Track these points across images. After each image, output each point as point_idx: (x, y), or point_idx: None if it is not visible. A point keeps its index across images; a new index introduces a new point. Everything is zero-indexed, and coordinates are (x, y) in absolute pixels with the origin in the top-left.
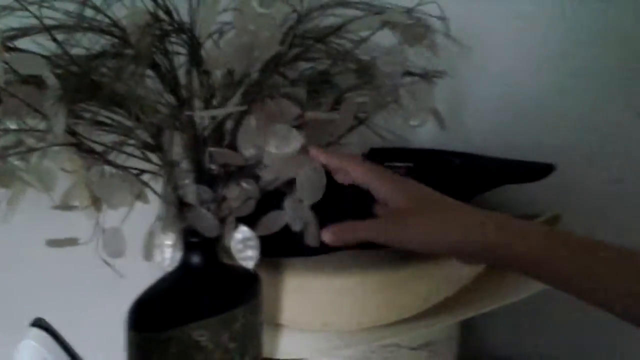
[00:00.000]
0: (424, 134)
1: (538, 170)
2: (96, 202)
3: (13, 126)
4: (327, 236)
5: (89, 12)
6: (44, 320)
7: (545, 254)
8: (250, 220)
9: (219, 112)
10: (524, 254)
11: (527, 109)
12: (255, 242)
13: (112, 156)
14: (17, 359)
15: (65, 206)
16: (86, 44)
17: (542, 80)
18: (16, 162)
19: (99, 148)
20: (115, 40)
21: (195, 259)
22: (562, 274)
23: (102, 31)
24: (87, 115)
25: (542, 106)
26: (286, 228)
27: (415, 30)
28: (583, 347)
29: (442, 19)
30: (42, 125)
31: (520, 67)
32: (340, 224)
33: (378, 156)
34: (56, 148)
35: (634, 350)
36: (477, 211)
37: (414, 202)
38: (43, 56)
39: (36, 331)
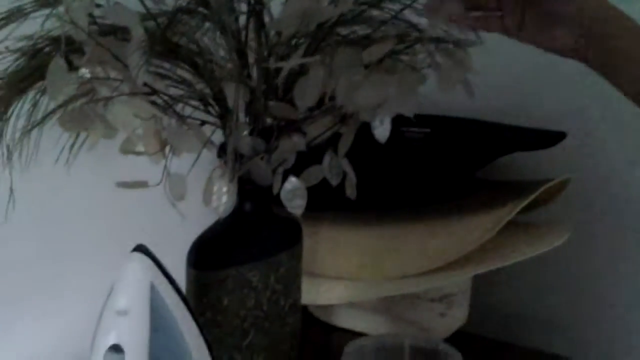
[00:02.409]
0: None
1: (550, 138)
2: (163, 149)
3: (87, 75)
4: None
5: None
6: (144, 246)
7: None
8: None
9: (293, 62)
10: None
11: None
12: (303, 192)
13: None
14: (121, 282)
15: (133, 151)
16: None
17: None
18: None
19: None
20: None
21: (248, 206)
22: None
23: None
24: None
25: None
26: (323, 183)
27: None
28: (587, 312)
29: None
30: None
31: None
32: None
33: (396, 122)
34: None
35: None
36: None
37: None
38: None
39: (139, 256)
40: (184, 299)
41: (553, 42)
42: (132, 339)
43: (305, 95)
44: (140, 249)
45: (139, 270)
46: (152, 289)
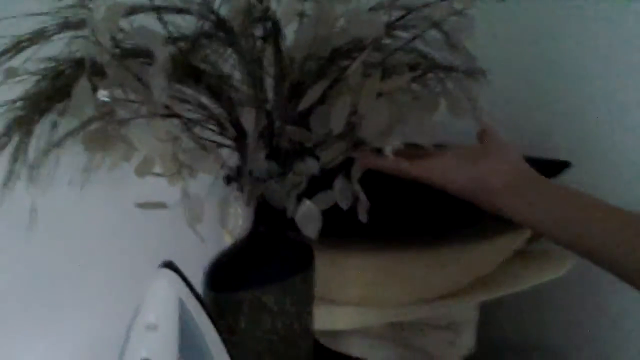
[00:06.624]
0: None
1: (555, 167)
2: (180, 171)
3: (106, 98)
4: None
5: None
6: (172, 262)
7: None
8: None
9: (316, 94)
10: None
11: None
12: (317, 215)
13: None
14: (150, 297)
15: (148, 173)
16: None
17: None
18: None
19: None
20: (211, 24)
21: (263, 229)
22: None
23: (203, 16)
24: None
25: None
26: (335, 209)
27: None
28: (594, 339)
29: None
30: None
31: None
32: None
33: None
34: (150, 119)
35: None
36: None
37: None
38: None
39: (167, 272)
40: (209, 314)
41: None
42: (162, 353)
43: (328, 124)
44: (168, 265)
45: (167, 286)
46: (181, 304)
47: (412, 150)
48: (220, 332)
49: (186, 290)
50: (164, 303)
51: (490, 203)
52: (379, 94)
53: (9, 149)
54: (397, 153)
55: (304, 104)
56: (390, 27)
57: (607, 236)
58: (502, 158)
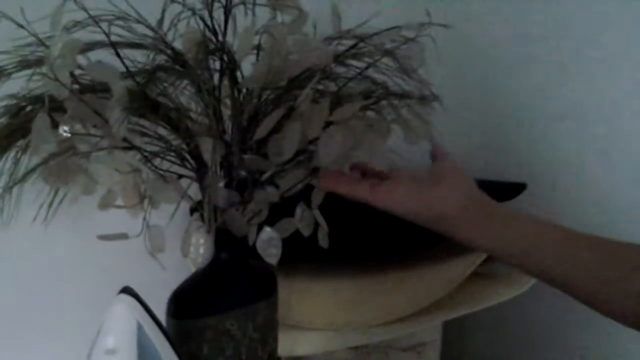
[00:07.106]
0: None
1: (512, 189)
2: (142, 202)
3: (67, 134)
4: (324, 181)
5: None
6: (131, 288)
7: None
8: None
9: (272, 122)
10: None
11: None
12: (277, 242)
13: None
14: (109, 322)
15: (111, 206)
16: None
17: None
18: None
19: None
20: (167, 57)
21: (225, 256)
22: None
23: (158, 50)
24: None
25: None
26: (296, 235)
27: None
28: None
29: None
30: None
31: None
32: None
33: None
34: (110, 152)
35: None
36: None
37: None
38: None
39: (126, 297)
40: (168, 339)
41: None
42: None
43: (281, 151)
44: (127, 290)
45: (126, 310)
46: (139, 328)
47: (369, 170)
48: (181, 358)
49: (145, 315)
50: (122, 328)
51: (443, 229)
52: (332, 122)
53: None
54: (354, 167)
55: (260, 134)
56: (340, 56)
57: (561, 258)
58: (453, 184)
